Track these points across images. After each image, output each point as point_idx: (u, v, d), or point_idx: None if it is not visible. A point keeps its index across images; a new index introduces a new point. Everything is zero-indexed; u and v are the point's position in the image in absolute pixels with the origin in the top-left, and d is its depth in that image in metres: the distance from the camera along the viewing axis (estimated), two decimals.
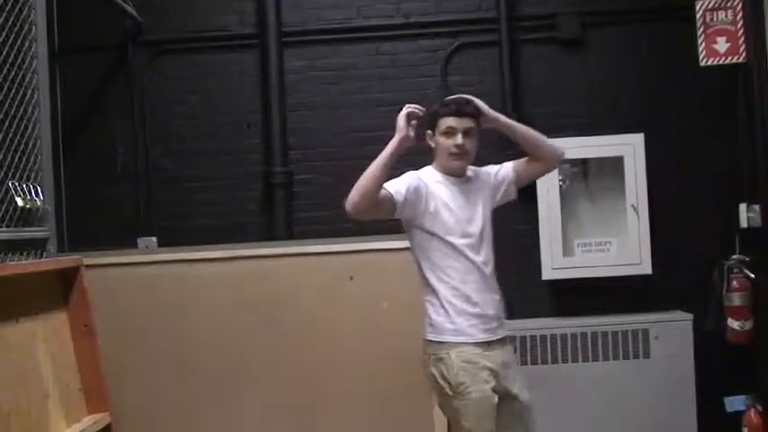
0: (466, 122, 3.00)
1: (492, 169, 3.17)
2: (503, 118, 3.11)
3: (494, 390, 2.92)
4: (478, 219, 3.04)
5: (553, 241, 4.54)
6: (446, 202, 3.02)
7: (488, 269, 3.02)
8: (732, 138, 4.63)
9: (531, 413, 3.03)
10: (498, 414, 2.92)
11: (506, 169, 3.17)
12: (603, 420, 4.40)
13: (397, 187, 2.94)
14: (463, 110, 3.01)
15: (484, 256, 3.01)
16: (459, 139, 2.98)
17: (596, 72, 4.81)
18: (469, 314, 2.95)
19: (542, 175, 3.35)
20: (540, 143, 3.12)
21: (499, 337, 3.00)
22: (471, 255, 2.98)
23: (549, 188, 4.54)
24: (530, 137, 3.11)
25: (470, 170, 3.13)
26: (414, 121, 2.96)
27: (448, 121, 3.00)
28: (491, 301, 3.00)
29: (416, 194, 2.98)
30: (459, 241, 2.98)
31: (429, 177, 3.06)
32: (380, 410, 3.70)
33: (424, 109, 3.00)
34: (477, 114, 3.03)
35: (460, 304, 2.95)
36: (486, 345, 2.95)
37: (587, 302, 4.64)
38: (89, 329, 3.28)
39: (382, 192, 2.88)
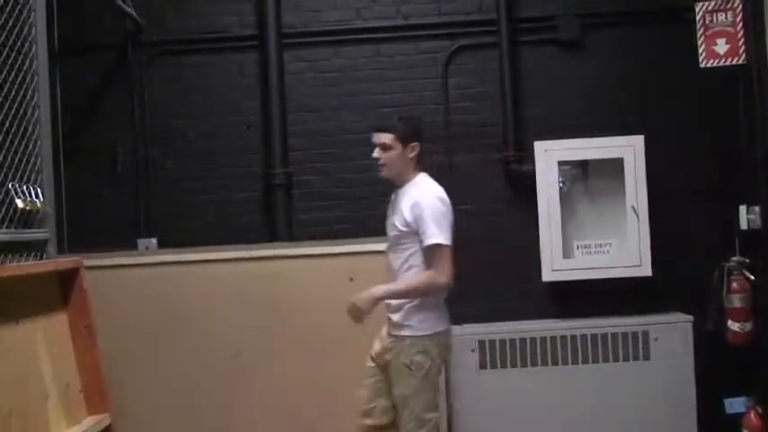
0: (378, 137, 3.33)
1: (415, 214, 3.18)
2: (377, 294, 3.17)
3: None
4: (392, 229, 3.29)
5: (553, 243, 4.53)
6: (388, 208, 3.40)
7: (392, 275, 3.28)
8: (732, 139, 4.62)
9: None
10: None
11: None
12: (604, 422, 4.39)
13: None
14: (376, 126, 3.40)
15: (391, 262, 3.30)
16: (374, 153, 3.33)
17: (596, 74, 4.81)
18: None
19: None
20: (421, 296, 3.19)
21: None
22: (388, 257, 3.34)
23: (549, 189, 4.54)
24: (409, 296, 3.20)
25: (409, 186, 3.29)
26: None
27: None
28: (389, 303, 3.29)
29: None
30: (387, 243, 3.37)
31: None
32: None
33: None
34: (387, 129, 3.31)
35: None
36: None
37: (587, 304, 4.63)
38: (89, 330, 3.28)
39: None
